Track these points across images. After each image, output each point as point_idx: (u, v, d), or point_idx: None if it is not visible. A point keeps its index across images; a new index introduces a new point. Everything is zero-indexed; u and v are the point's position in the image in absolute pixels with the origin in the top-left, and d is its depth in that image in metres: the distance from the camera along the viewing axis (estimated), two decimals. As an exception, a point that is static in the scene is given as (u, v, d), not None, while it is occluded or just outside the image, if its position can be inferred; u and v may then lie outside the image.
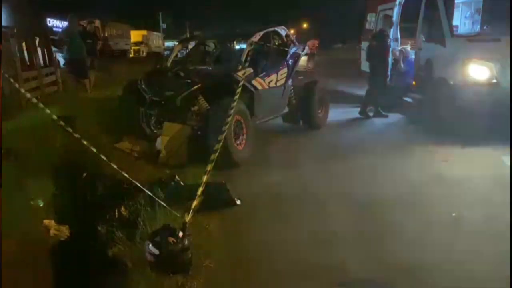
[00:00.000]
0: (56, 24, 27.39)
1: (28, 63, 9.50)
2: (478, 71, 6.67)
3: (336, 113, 8.63)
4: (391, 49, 8.63)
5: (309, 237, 3.70)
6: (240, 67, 6.27)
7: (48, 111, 4.34)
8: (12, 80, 5.65)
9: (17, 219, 3.86)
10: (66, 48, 9.48)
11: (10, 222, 3.68)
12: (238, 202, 4.38)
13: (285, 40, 7.74)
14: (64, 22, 28.00)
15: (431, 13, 7.84)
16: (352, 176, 5.27)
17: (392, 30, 8.92)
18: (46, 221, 4.01)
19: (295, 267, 3.23)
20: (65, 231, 4.00)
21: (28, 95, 5.17)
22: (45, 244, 3.81)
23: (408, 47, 9.19)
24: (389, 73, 8.63)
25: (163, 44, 44.46)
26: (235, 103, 4.85)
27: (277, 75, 7.09)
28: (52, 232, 3.95)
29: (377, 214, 4.09)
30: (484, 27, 8.05)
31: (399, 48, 9.25)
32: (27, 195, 4.30)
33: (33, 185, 4.48)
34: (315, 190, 4.84)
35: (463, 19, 8.42)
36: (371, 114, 8.66)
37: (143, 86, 6.25)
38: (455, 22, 8.04)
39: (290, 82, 7.51)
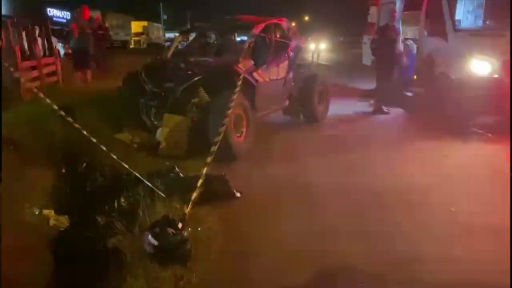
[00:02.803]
0: (56, 14, 27.27)
1: (28, 53, 9.45)
2: (480, 66, 6.65)
3: (337, 107, 8.61)
4: (397, 43, 8.56)
5: (308, 230, 3.70)
6: (241, 59, 6.24)
7: (48, 101, 4.34)
8: (12, 70, 5.63)
9: (17, 209, 3.87)
10: (74, 39, 9.49)
11: (10, 212, 3.70)
12: (238, 194, 4.38)
13: (287, 32, 7.70)
14: (66, 12, 27.94)
15: (434, 7, 7.81)
16: (352, 170, 5.26)
17: (395, 24, 8.86)
18: (45, 211, 4.03)
19: (294, 260, 3.23)
20: (64, 222, 4.01)
21: (28, 85, 5.17)
22: (45, 234, 3.82)
23: (412, 41, 9.14)
24: (394, 69, 8.54)
25: (164, 35, 44.26)
26: (236, 95, 4.83)
27: (278, 68, 7.06)
28: (51, 222, 3.96)
29: (377, 208, 4.09)
30: (487, 22, 8.00)
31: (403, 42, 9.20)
32: (27, 185, 4.30)
33: (32, 175, 4.49)
34: (315, 183, 4.83)
35: (465, 14, 8.35)
36: (386, 110, 8.61)
37: (143, 77, 6.22)
38: (458, 16, 7.98)
39: (291, 75, 7.48)
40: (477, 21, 8.23)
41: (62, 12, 28.78)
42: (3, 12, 10.53)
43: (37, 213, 3.90)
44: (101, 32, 12.98)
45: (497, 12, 7.66)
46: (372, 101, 9.00)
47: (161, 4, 49.09)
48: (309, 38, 8.18)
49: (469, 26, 7.99)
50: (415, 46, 8.84)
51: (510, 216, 3.44)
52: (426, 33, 8.26)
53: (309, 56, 8.76)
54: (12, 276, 3.09)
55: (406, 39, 9.32)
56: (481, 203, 4.14)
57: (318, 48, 8.90)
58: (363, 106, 9.23)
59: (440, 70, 7.43)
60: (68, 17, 28.48)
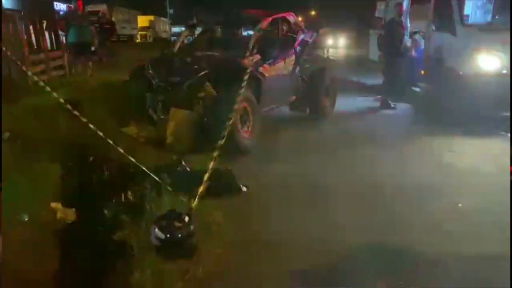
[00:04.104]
0: (63, 8, 27.30)
1: (36, 46, 9.49)
2: (488, 61, 6.59)
3: (343, 102, 8.58)
4: (404, 38, 8.50)
5: (314, 223, 3.70)
6: (247, 54, 6.22)
7: (55, 94, 4.36)
8: (19, 63, 5.66)
9: (24, 202, 3.89)
10: (72, 32, 9.41)
11: (17, 205, 3.72)
12: (244, 188, 4.39)
13: (294, 27, 7.66)
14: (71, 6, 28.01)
15: (442, 2, 7.74)
16: (358, 165, 5.25)
17: (402, 18, 8.80)
18: (52, 204, 4.05)
19: (300, 253, 3.24)
20: (71, 215, 4.03)
21: (36, 78, 5.19)
22: (52, 227, 3.84)
23: (419, 36, 9.06)
24: (401, 64, 8.49)
25: (170, 30, 44.25)
26: (242, 90, 4.82)
27: (285, 62, 7.04)
28: (58, 215, 3.98)
29: (384, 203, 4.08)
30: (496, 17, 7.92)
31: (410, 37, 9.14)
32: (34, 178, 4.33)
33: (39, 168, 4.51)
34: (321, 178, 4.83)
35: (474, 8, 8.28)
36: (393, 105, 8.55)
37: (150, 71, 6.23)
38: (467, 11, 7.92)
39: (297, 69, 7.46)
40: (486, 15, 8.16)
41: (69, 6, 28.82)
42: (12, 6, 10.58)
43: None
44: (107, 26, 13.05)
45: (506, 7, 7.57)
46: (379, 96, 8.96)
47: (167, -2, 48.88)
48: (315, 34, 8.09)
49: (478, 21, 7.92)
50: (423, 41, 8.77)
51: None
52: (434, 28, 8.20)
53: (321, 52, 8.74)
54: (18, 269, 3.12)
55: (413, 33, 9.25)
56: (489, 199, 4.11)
57: (327, 43, 8.89)
58: (370, 101, 9.19)
59: (448, 65, 7.37)
60: (76, 11, 28.52)
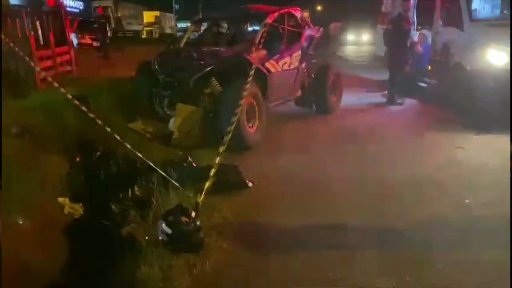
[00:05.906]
0: (69, 4, 27.39)
1: (42, 42, 9.50)
2: (497, 57, 6.54)
3: (350, 98, 8.55)
4: (410, 34, 8.44)
5: (320, 220, 3.70)
6: (253, 49, 6.21)
7: (62, 90, 4.39)
8: (27, 59, 5.69)
9: (32, 197, 3.93)
10: None
11: (25, 199, 3.76)
12: (250, 184, 4.39)
13: (300, 22, 7.64)
14: (79, 2, 28.12)
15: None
16: (364, 161, 5.23)
17: (409, 13, 8.73)
18: (60, 199, 4.09)
19: (306, 249, 3.24)
20: (79, 209, 4.07)
21: (43, 73, 5.23)
22: (59, 222, 3.88)
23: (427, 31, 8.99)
24: (408, 59, 8.43)
25: (176, 25, 44.25)
26: (248, 85, 4.82)
27: (291, 58, 7.01)
28: (66, 210, 4.02)
29: (389, 200, 4.06)
30: (504, 11, 7.85)
31: (417, 32, 9.07)
32: (42, 172, 4.37)
33: (47, 163, 4.55)
34: (327, 174, 4.82)
35: (482, 3, 8.20)
36: (399, 101, 8.52)
37: (156, 67, 6.24)
38: (474, 5, 7.85)
39: (303, 65, 7.44)
40: (494, 10, 8.09)
41: (75, 2, 28.88)
42: (18, 2, 10.61)
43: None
44: (103, 21, 13.56)
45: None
46: (385, 92, 8.91)
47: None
48: (322, 29, 8.07)
49: (485, 16, 7.85)
50: (430, 36, 8.70)
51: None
52: (441, 23, 8.14)
53: (330, 48, 8.68)
54: (26, 263, 3.15)
55: (420, 28, 9.19)
56: (496, 195, 4.08)
57: (337, 39, 8.86)
58: (376, 97, 9.15)
59: (456, 60, 7.33)
60: (81, 7, 28.60)
